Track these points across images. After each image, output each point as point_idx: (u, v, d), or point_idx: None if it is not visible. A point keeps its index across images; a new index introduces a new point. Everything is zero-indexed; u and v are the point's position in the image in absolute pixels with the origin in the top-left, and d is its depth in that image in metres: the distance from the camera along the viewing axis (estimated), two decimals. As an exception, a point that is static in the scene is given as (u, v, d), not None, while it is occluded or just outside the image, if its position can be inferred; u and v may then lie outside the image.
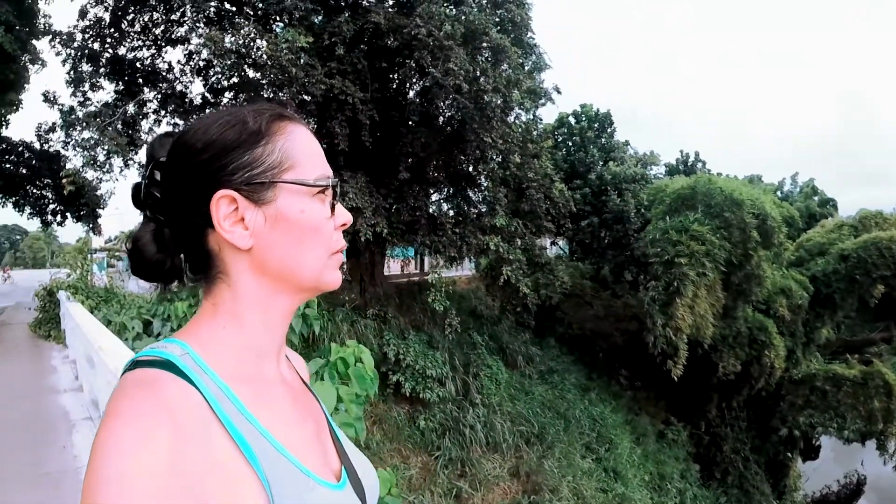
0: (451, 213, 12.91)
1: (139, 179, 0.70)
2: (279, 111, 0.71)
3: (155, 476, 0.47)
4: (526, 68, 13.65)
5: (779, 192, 32.73)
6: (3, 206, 15.13)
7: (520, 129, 12.94)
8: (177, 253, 0.68)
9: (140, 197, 0.68)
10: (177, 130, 0.73)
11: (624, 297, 18.22)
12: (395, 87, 12.01)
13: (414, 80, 11.36)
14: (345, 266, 13.28)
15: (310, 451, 0.67)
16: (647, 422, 17.20)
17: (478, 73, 10.71)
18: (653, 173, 21.73)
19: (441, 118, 11.67)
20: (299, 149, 0.69)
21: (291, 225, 0.66)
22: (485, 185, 12.62)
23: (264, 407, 0.63)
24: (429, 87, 10.58)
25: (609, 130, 19.99)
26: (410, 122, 11.11)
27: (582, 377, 16.92)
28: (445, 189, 13.33)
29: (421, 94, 11.52)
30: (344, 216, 0.72)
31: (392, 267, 15.85)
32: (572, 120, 19.68)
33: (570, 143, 19.32)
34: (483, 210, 12.71)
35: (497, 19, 12.31)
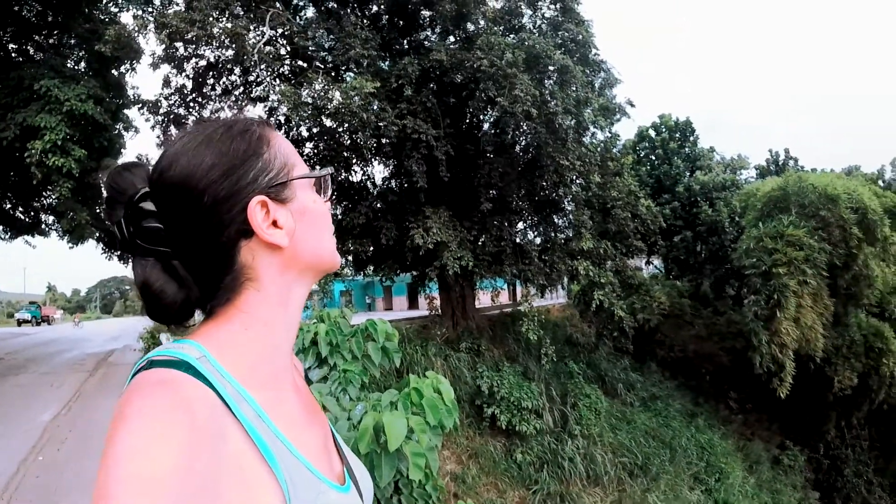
0: (538, 240, 12.74)
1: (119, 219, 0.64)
2: (261, 119, 0.72)
3: (171, 476, 0.46)
4: (596, 85, 13.41)
5: (880, 182, 29.52)
6: (109, 259, 16.57)
7: (598, 149, 12.66)
8: (198, 281, 0.65)
9: (127, 236, 0.63)
10: (140, 159, 0.62)
11: (727, 313, 17.11)
12: (467, 120, 12.09)
13: (484, 112, 11.40)
14: (436, 301, 13.62)
15: (319, 454, 0.68)
16: (760, 447, 16.13)
17: (546, 96, 10.63)
18: (743, 178, 20.56)
19: (517, 146, 11.60)
20: (288, 149, 0.71)
21: (312, 215, 0.70)
22: (569, 208, 12.31)
23: (279, 410, 0.63)
24: (500, 117, 10.58)
25: (692, 139, 19.17)
26: (487, 154, 11.08)
27: (687, 402, 16.09)
28: (530, 217, 13.15)
29: (494, 125, 11.51)
30: (327, 197, 0.75)
31: (483, 299, 15.79)
32: (652, 132, 19.06)
33: (654, 157, 18.74)
34: (570, 235, 12.42)
35: (559, 41, 12.19)
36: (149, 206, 0.63)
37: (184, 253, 0.63)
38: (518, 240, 12.47)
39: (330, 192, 0.75)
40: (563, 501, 11.19)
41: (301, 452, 0.62)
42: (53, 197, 14.00)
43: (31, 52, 14.41)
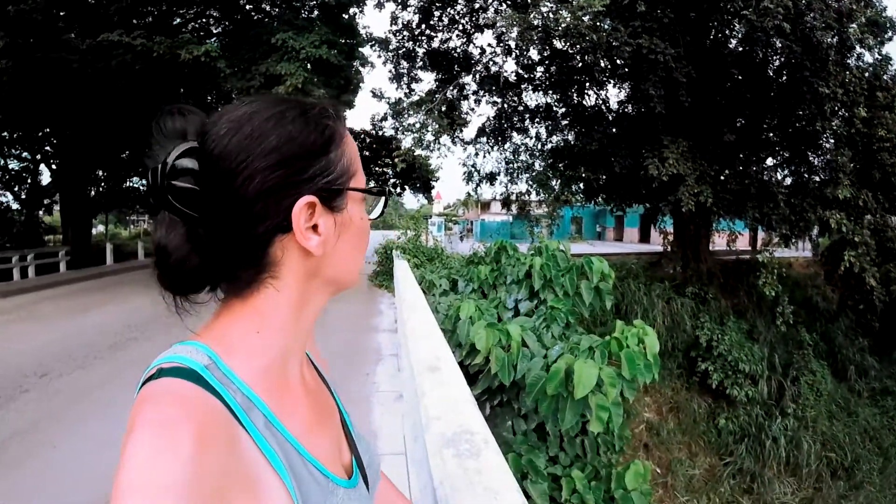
0: (787, 181, 11.33)
1: (157, 165, 0.55)
2: (339, 112, 0.65)
3: (178, 486, 0.46)
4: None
5: None
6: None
7: (865, 74, 10.76)
8: (221, 260, 0.59)
9: (159, 189, 0.55)
10: (192, 110, 0.58)
11: None
12: (710, 37, 10.90)
13: (730, 27, 10.20)
14: (670, 237, 12.85)
15: (329, 451, 0.67)
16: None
17: (801, 8, 9.13)
18: None
19: (768, 69, 10.18)
20: (355, 155, 0.66)
21: (355, 232, 0.65)
22: (827, 146, 10.66)
23: (290, 413, 0.62)
24: (747, 33, 9.36)
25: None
26: (734, 77, 9.86)
27: (923, 407, 13.93)
28: (780, 153, 11.67)
29: (741, 43, 10.18)
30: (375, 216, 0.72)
31: (718, 242, 14.51)
32: (933, 56, 15.29)
33: (935, 89, 15.06)
34: (824, 178, 10.83)
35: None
36: (191, 163, 0.56)
37: (213, 227, 0.57)
38: (765, 177, 11.12)
39: (379, 213, 0.72)
40: (753, 482, 10.46)
41: (313, 454, 0.61)
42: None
43: (268, 8, 16.10)
